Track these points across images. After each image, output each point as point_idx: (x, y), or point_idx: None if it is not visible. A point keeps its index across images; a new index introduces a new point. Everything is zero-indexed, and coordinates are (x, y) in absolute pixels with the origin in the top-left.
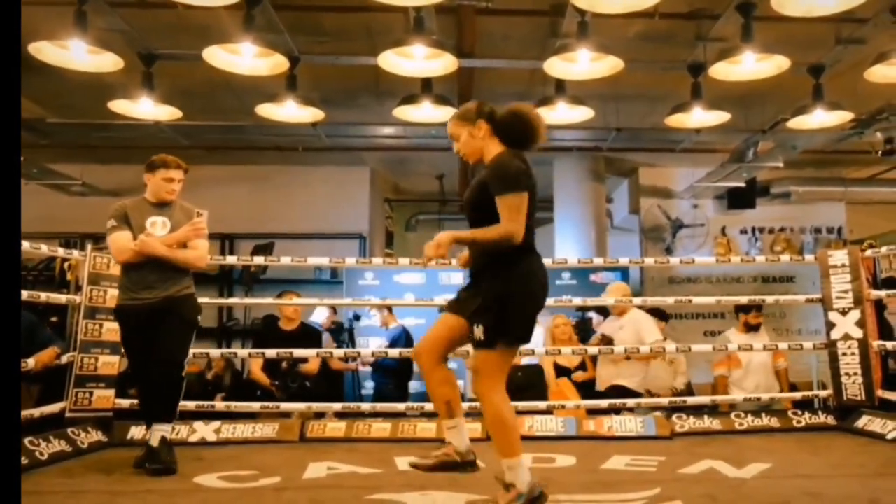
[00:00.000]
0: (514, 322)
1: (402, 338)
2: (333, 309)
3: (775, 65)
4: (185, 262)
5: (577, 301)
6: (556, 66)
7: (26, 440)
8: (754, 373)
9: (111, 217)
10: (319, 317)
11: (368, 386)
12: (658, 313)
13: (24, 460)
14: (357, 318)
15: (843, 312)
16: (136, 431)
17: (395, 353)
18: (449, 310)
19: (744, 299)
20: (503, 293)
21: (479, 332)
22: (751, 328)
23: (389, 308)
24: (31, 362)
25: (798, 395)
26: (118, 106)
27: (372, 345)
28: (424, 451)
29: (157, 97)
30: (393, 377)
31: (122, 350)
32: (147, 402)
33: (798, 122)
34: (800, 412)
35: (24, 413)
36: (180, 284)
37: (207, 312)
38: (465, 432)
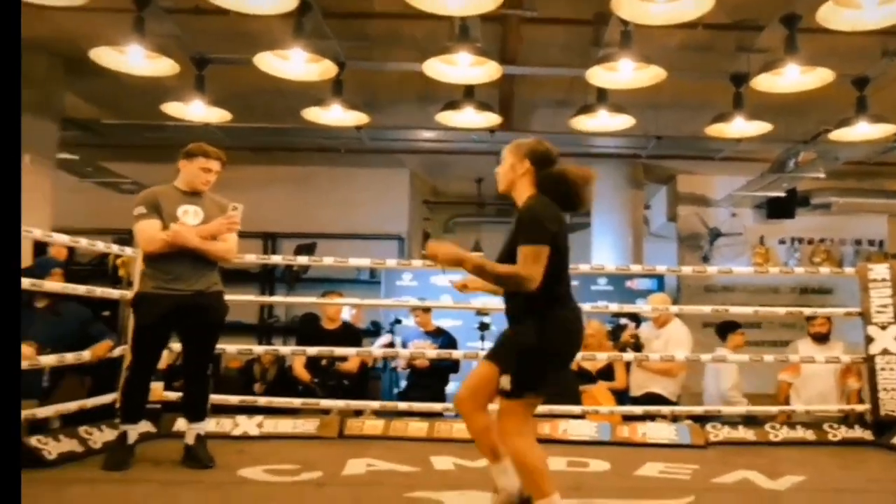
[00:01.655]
0: (541, 377)
1: (448, 343)
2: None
3: (819, 77)
4: (216, 255)
5: (613, 307)
6: (599, 75)
7: (80, 429)
8: (811, 384)
9: (140, 204)
10: (346, 314)
11: (401, 385)
12: (730, 326)
13: (79, 448)
14: (398, 321)
15: (883, 327)
16: (183, 423)
17: (432, 354)
18: (486, 357)
19: (781, 310)
20: (531, 346)
21: (505, 381)
22: (817, 338)
23: (428, 309)
24: (86, 355)
25: (834, 407)
26: (170, 108)
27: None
28: None
29: (208, 100)
30: (431, 378)
31: (133, 340)
32: (185, 399)
33: (841, 135)
34: (836, 426)
35: (78, 403)
36: (210, 279)
37: (249, 309)
38: (512, 473)
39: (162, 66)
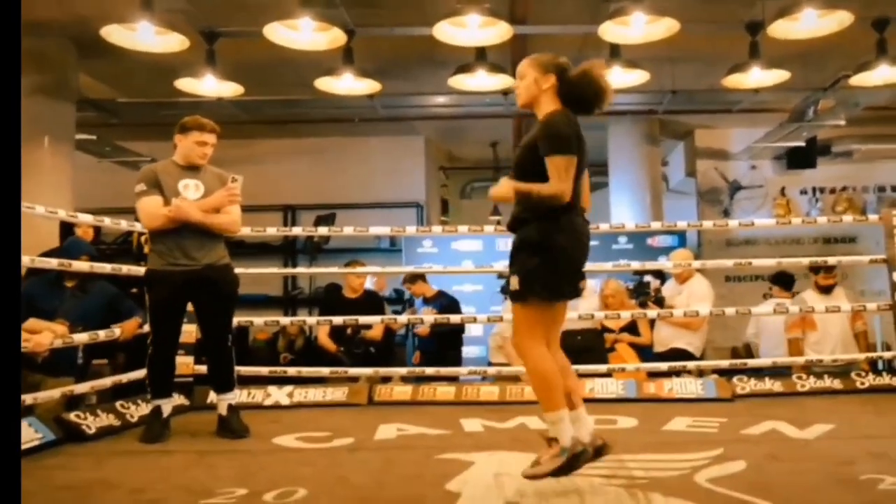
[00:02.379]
0: (546, 275)
1: (447, 305)
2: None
3: (837, 20)
4: (220, 228)
5: (635, 265)
6: (611, 31)
7: (117, 404)
8: (832, 336)
9: (140, 181)
10: (368, 283)
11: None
12: (784, 280)
13: (116, 422)
14: (399, 293)
15: None
16: (215, 395)
17: (456, 318)
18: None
19: (805, 261)
20: (537, 243)
21: (514, 281)
22: (823, 290)
23: (423, 277)
24: (117, 332)
25: (862, 356)
26: (183, 84)
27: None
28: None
29: (220, 74)
30: (446, 344)
31: (150, 317)
32: (210, 372)
33: (860, 79)
34: (863, 373)
35: (114, 379)
36: (218, 253)
37: (273, 281)
38: (585, 421)
39: (172, 42)
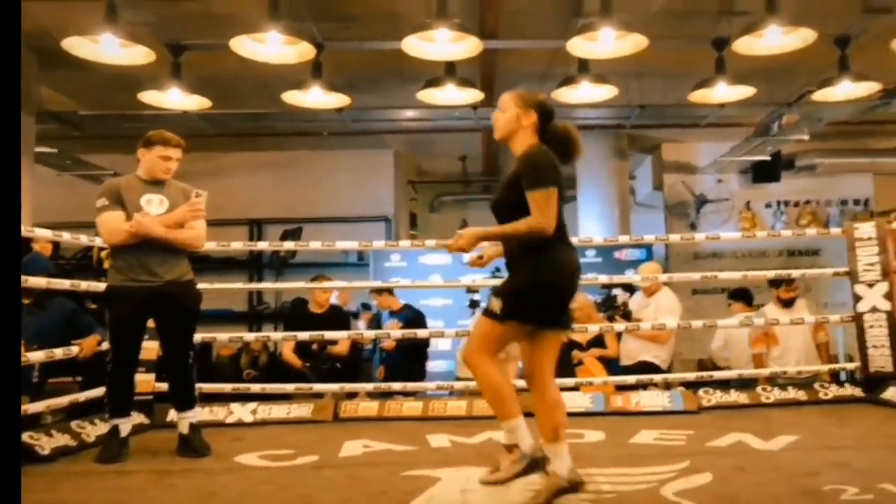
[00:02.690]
0: (534, 309)
1: (412, 318)
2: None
3: (801, 37)
4: (183, 243)
5: (603, 279)
6: (580, 46)
7: (73, 423)
8: (794, 350)
9: (102, 196)
10: (334, 298)
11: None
12: (743, 295)
13: (72, 443)
14: (367, 306)
15: (870, 285)
16: (175, 413)
17: (424, 333)
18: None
19: (770, 273)
20: (528, 281)
21: (496, 303)
22: (784, 303)
23: (390, 290)
24: (75, 349)
25: (825, 367)
26: (148, 97)
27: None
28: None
29: (186, 87)
30: (412, 357)
31: (110, 334)
32: (171, 389)
33: (824, 94)
34: (827, 384)
35: (70, 398)
36: (180, 269)
37: (239, 296)
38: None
39: (137, 55)
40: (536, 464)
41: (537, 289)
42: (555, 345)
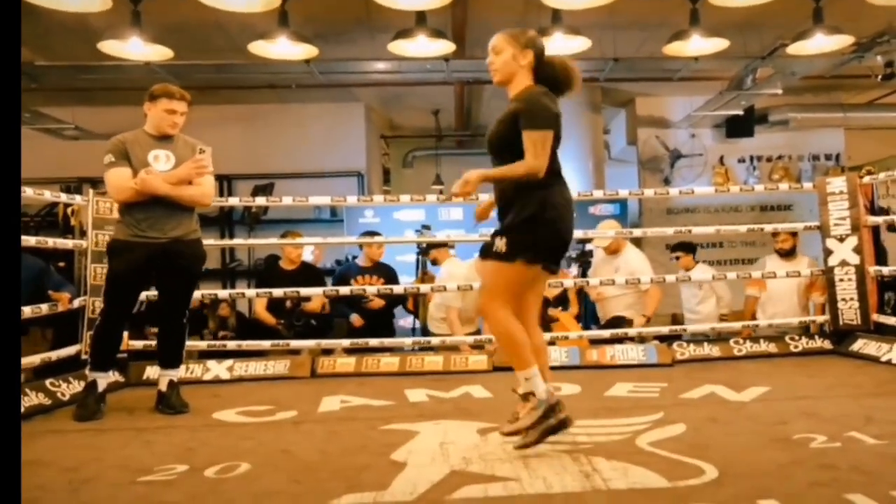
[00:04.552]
0: (541, 240)
1: (394, 274)
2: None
3: None
4: (189, 200)
5: (578, 234)
6: None
7: (47, 382)
8: (777, 300)
9: (109, 152)
10: (307, 254)
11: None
12: (687, 246)
13: (47, 401)
14: (354, 258)
15: (841, 239)
16: (152, 371)
17: (400, 289)
18: (482, 255)
19: (742, 228)
20: (532, 213)
21: (500, 243)
22: (781, 254)
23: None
24: (44, 308)
25: (795, 319)
26: (108, 47)
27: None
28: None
29: (147, 37)
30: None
31: (106, 287)
32: (160, 345)
33: (797, 48)
34: (797, 337)
35: (42, 356)
36: (188, 226)
37: (211, 254)
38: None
39: (93, 1)
40: (553, 409)
41: (540, 224)
42: (542, 290)
